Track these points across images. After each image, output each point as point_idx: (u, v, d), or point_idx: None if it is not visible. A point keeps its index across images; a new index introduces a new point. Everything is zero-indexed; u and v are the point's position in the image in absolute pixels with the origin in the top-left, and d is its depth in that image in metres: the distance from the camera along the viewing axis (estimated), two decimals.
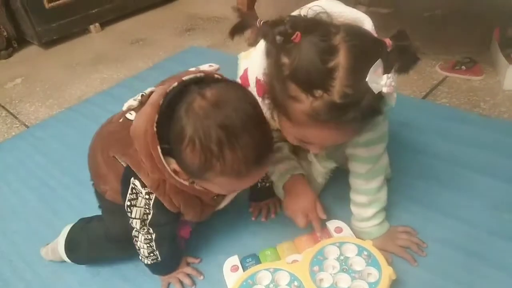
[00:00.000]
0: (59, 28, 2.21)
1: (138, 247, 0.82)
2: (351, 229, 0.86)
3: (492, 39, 1.49)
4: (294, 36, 0.57)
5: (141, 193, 0.73)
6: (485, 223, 0.88)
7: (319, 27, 0.59)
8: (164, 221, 0.79)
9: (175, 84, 0.69)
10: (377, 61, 0.56)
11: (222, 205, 0.86)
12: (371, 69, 0.55)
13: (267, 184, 0.96)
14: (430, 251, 0.84)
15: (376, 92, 0.56)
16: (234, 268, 0.82)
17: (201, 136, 0.61)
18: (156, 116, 0.66)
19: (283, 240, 0.88)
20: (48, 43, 2.22)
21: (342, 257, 0.78)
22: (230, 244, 0.93)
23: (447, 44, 1.61)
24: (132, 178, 0.73)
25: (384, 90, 0.56)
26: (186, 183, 0.71)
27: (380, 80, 0.56)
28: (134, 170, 0.71)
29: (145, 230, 0.79)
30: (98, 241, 0.88)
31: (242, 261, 0.84)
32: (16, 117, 1.65)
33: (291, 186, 0.87)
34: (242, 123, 0.62)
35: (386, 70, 0.57)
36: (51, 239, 1.00)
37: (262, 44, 0.67)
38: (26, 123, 1.60)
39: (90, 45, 2.22)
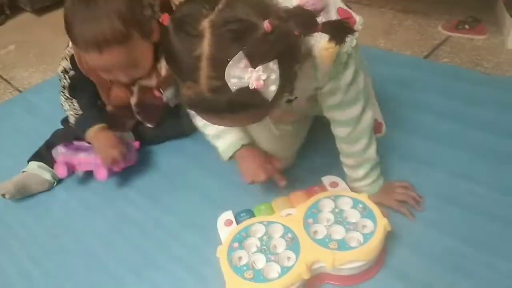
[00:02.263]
0: None
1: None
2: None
3: None
4: (162, 17, 0.53)
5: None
6: (485, 178, 0.87)
7: (193, 7, 0.52)
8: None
9: None
10: (238, 53, 0.48)
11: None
12: (230, 63, 0.48)
13: None
14: (428, 206, 0.83)
15: (237, 87, 0.49)
16: (228, 223, 0.81)
17: None
18: None
19: (278, 196, 0.86)
20: (41, 10, 2.16)
21: (337, 210, 0.77)
22: (225, 200, 0.91)
23: (450, 4, 1.55)
24: None
25: (251, 86, 0.49)
26: None
27: (243, 74, 0.49)
28: None
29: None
30: None
31: (236, 216, 0.83)
32: (9, 83, 1.63)
33: (242, 154, 0.85)
34: None
35: (256, 61, 0.49)
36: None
37: None
38: (20, 89, 1.57)
39: None
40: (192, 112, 0.79)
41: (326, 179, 0.86)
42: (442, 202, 0.84)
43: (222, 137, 0.85)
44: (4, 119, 1.37)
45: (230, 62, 0.48)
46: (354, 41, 0.66)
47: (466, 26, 1.37)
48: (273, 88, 0.51)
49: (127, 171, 1.06)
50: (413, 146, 0.97)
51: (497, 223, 0.78)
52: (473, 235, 0.77)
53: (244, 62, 0.49)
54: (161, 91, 0.98)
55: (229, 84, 0.50)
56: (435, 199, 0.84)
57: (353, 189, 0.85)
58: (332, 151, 0.95)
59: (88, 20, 0.79)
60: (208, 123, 0.77)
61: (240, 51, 0.48)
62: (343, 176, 0.86)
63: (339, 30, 0.52)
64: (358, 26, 0.67)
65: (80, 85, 0.98)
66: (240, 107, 0.53)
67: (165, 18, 0.53)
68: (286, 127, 0.89)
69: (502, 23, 1.37)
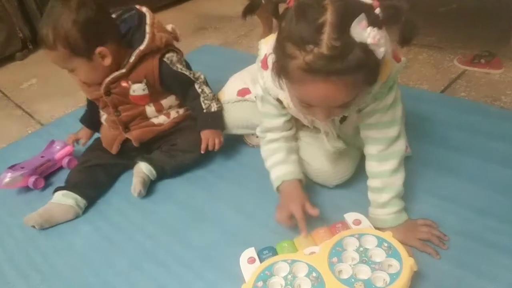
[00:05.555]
0: None
1: None
2: (369, 218, 0.85)
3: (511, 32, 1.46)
4: (288, 1, 0.65)
5: None
6: (507, 215, 0.86)
7: None
8: None
9: None
10: (360, 15, 0.59)
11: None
12: (354, 22, 0.59)
13: (214, 109, 1.09)
14: (451, 243, 0.82)
15: (358, 40, 0.60)
16: (251, 260, 0.81)
17: None
18: None
19: (300, 233, 0.86)
20: None
21: (361, 249, 0.76)
22: (247, 237, 0.91)
23: (465, 39, 1.58)
24: None
25: (368, 41, 0.60)
26: None
27: (363, 32, 0.60)
28: None
29: None
30: None
31: (259, 253, 0.82)
32: (32, 116, 1.67)
33: (284, 189, 0.91)
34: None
35: (372, 24, 0.60)
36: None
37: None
38: (42, 122, 1.61)
39: None
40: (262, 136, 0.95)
41: (349, 216, 0.85)
42: (465, 240, 0.82)
43: (277, 167, 0.92)
44: (27, 152, 1.40)
45: (354, 22, 0.59)
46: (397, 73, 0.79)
47: (482, 61, 1.39)
48: (382, 49, 0.62)
49: (147, 205, 1.07)
50: (433, 181, 0.97)
51: None
52: (499, 274, 0.75)
53: (364, 22, 0.60)
54: (128, 82, 1.06)
55: (351, 44, 0.60)
56: (458, 236, 0.83)
57: (373, 218, 0.85)
58: (355, 188, 0.95)
59: (45, 18, 0.96)
60: (271, 149, 0.93)
61: (362, 14, 0.59)
62: (366, 214, 0.86)
63: (397, 15, 0.63)
64: (403, 62, 0.79)
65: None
66: (353, 65, 0.61)
67: (291, 1, 0.65)
68: (338, 143, 0.92)
69: None
